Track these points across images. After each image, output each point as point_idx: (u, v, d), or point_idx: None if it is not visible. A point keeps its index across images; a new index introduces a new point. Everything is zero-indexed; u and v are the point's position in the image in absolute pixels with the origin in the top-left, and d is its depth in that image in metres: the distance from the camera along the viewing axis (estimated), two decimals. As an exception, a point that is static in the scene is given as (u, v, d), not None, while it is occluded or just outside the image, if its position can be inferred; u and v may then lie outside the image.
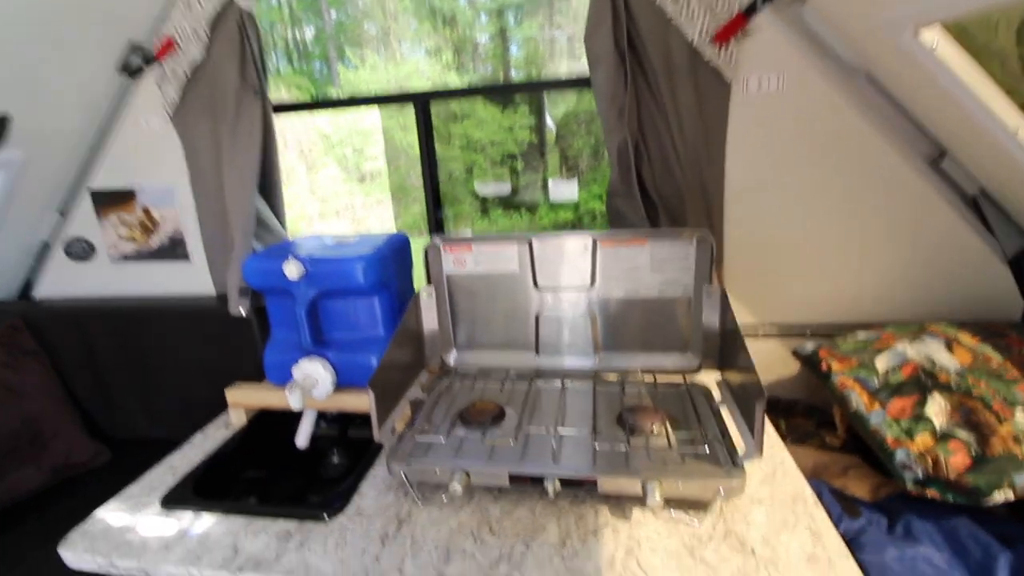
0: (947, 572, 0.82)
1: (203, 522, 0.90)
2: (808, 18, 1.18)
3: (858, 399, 1.04)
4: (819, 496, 0.90)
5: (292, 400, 1.04)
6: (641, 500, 0.86)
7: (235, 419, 1.20)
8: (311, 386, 1.09)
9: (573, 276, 1.14)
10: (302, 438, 1.15)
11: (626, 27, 1.13)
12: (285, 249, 1.13)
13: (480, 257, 1.16)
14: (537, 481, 0.86)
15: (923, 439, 0.92)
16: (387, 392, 0.96)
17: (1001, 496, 0.84)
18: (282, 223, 1.45)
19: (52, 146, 1.40)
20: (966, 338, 1.08)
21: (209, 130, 1.33)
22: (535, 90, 3.66)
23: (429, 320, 1.19)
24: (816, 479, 1.03)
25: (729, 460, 0.86)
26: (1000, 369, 0.98)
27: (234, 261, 1.29)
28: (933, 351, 1.06)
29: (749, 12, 1.12)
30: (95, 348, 1.54)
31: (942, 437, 0.91)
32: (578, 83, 1.36)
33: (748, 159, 1.25)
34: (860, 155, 1.21)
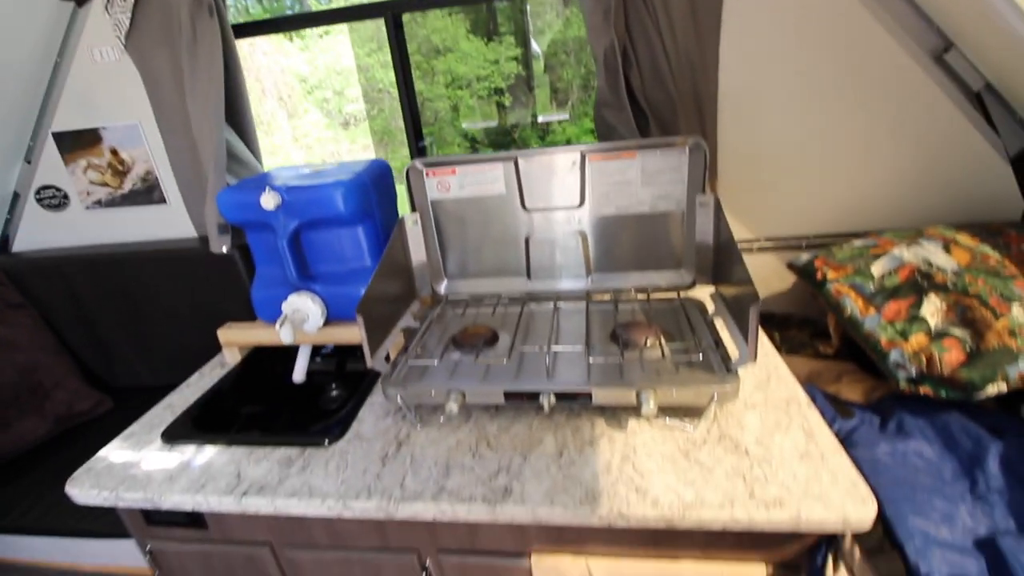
0: (937, 463, 0.84)
1: (205, 454, 0.91)
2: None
3: (853, 305, 1.03)
4: (812, 400, 0.91)
5: (283, 335, 1.03)
6: (636, 410, 0.87)
7: (229, 358, 1.19)
8: (301, 320, 1.07)
9: (562, 195, 1.10)
10: (298, 373, 1.15)
11: (610, -83, 1.04)
12: (261, 181, 1.08)
13: (465, 180, 1.12)
14: (532, 397, 0.86)
15: (917, 339, 0.92)
16: (378, 320, 0.95)
17: (994, 389, 0.84)
18: (256, 155, 1.39)
19: (6, 84, 1.32)
20: (965, 239, 1.06)
21: (167, 58, 1.24)
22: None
23: (417, 249, 1.16)
24: (810, 385, 1.04)
25: (723, 367, 0.86)
26: (998, 266, 0.97)
27: (209, 196, 1.24)
28: (930, 253, 1.04)
29: None
30: (82, 298, 1.52)
31: (937, 336, 0.91)
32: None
33: (743, 63, 1.18)
34: (862, 52, 1.14)
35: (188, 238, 1.50)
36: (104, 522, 1.16)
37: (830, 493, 0.70)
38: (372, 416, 0.96)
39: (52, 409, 1.41)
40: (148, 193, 1.46)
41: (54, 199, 1.52)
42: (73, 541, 1.17)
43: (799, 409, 0.87)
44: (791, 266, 1.22)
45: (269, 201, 1.00)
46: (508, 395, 0.87)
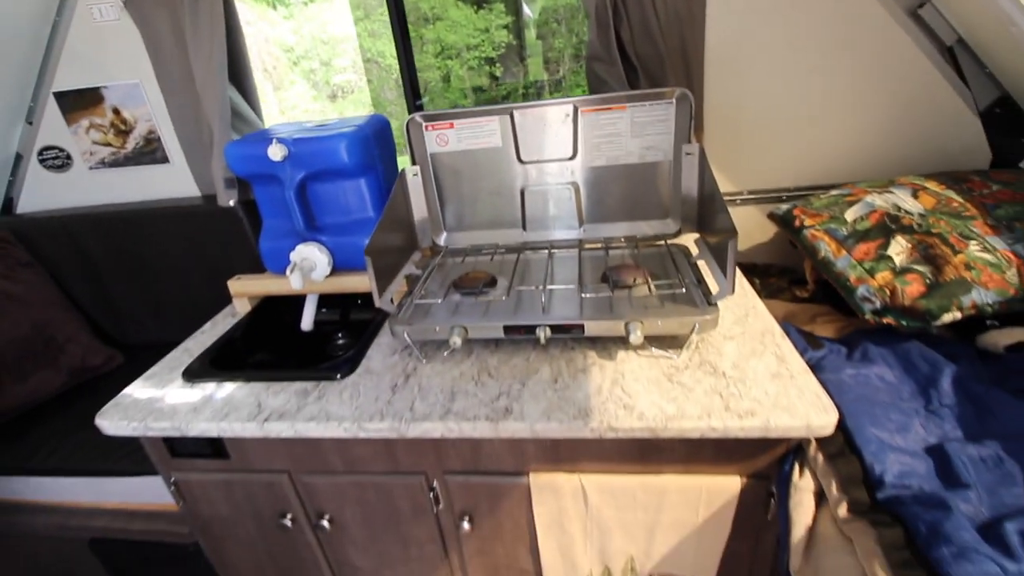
0: (897, 385, 0.93)
1: (225, 389, 0.98)
2: None
3: (826, 248, 1.10)
4: (787, 333, 0.99)
5: (293, 281, 1.09)
6: (624, 341, 0.94)
7: (240, 308, 1.25)
8: (309, 269, 1.13)
9: (555, 147, 1.16)
10: (306, 321, 1.22)
11: None
12: (266, 134, 1.12)
13: (462, 133, 1.17)
14: (530, 331, 0.93)
15: (883, 275, 1.00)
16: (383, 265, 1.01)
17: (950, 317, 0.92)
18: (257, 113, 1.42)
19: (6, 44, 1.33)
20: (932, 185, 1.13)
21: (167, 16, 1.27)
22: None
23: (417, 201, 1.21)
24: (785, 323, 1.12)
25: (704, 301, 0.94)
26: (960, 208, 1.04)
27: (216, 149, 1.28)
28: (900, 199, 1.11)
29: None
30: (90, 257, 1.56)
31: (900, 272, 0.98)
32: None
33: (729, 19, 1.23)
34: (840, 7, 1.19)
35: (191, 196, 1.54)
36: (126, 461, 1.23)
37: (796, 405, 0.79)
38: (380, 354, 1.03)
39: (66, 362, 1.46)
40: (151, 152, 1.49)
41: (57, 160, 1.55)
42: (97, 480, 1.24)
43: (773, 339, 0.95)
44: (772, 216, 1.29)
45: (276, 152, 1.05)
46: (507, 329, 0.94)
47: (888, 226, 1.06)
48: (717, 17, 1.23)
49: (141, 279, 1.57)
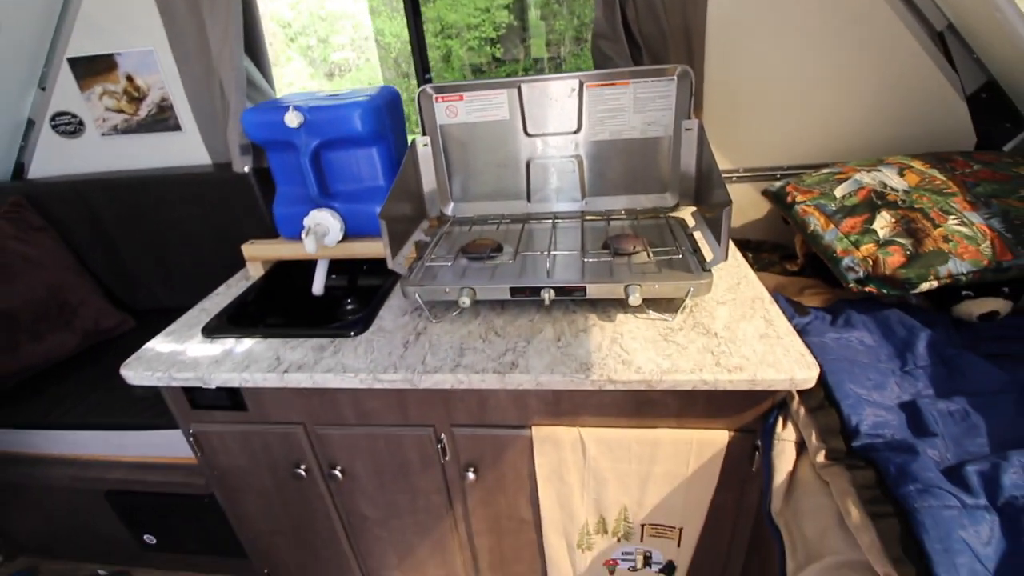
0: (876, 348, 0.99)
1: (244, 344, 1.03)
2: None
3: (816, 222, 1.16)
4: (776, 301, 1.05)
5: (308, 244, 1.13)
6: (623, 304, 1.00)
7: (253, 271, 1.30)
8: (323, 233, 1.18)
9: (561, 121, 1.20)
10: (317, 285, 1.27)
11: None
12: (280, 103, 1.16)
13: (471, 106, 1.21)
14: (535, 292, 0.99)
15: (867, 247, 1.06)
16: (395, 230, 1.06)
17: (927, 285, 0.99)
18: (269, 83, 1.45)
19: (21, 10, 1.35)
20: (918, 164, 1.19)
21: (183, -17, 1.29)
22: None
23: (427, 171, 1.26)
24: (775, 293, 1.18)
25: (699, 267, 1.00)
26: (942, 186, 1.10)
27: (232, 117, 1.32)
28: (887, 177, 1.17)
29: None
30: (102, 222, 1.60)
31: (884, 244, 1.05)
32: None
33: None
34: (837, -10, 1.24)
35: (203, 164, 1.57)
36: (143, 416, 1.28)
37: (782, 361, 0.85)
38: (391, 315, 1.09)
39: (80, 325, 1.51)
40: (163, 120, 1.52)
41: (69, 125, 1.57)
42: (114, 434, 1.30)
43: (762, 305, 1.01)
44: (765, 192, 1.35)
45: (293, 119, 1.08)
46: (514, 291, 0.99)
47: (874, 202, 1.12)
48: (719, -2, 1.27)
49: (152, 245, 1.61)
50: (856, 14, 1.26)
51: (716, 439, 0.95)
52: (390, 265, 1.02)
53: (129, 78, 1.47)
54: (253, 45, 1.39)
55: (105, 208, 1.58)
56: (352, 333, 1.02)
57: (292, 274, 1.33)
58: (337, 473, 1.09)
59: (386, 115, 1.19)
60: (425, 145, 1.24)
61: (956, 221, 1.01)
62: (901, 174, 1.17)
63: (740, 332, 0.93)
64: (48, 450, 1.36)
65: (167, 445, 1.29)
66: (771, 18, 1.29)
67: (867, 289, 1.03)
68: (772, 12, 1.28)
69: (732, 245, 1.21)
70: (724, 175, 1.46)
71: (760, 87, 1.36)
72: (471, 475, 1.05)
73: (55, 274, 1.51)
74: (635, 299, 0.93)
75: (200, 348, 1.03)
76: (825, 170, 1.28)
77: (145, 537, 1.44)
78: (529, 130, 1.22)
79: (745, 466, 0.97)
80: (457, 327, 1.02)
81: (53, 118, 1.58)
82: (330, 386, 0.93)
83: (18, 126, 1.60)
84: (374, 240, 1.21)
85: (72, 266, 1.57)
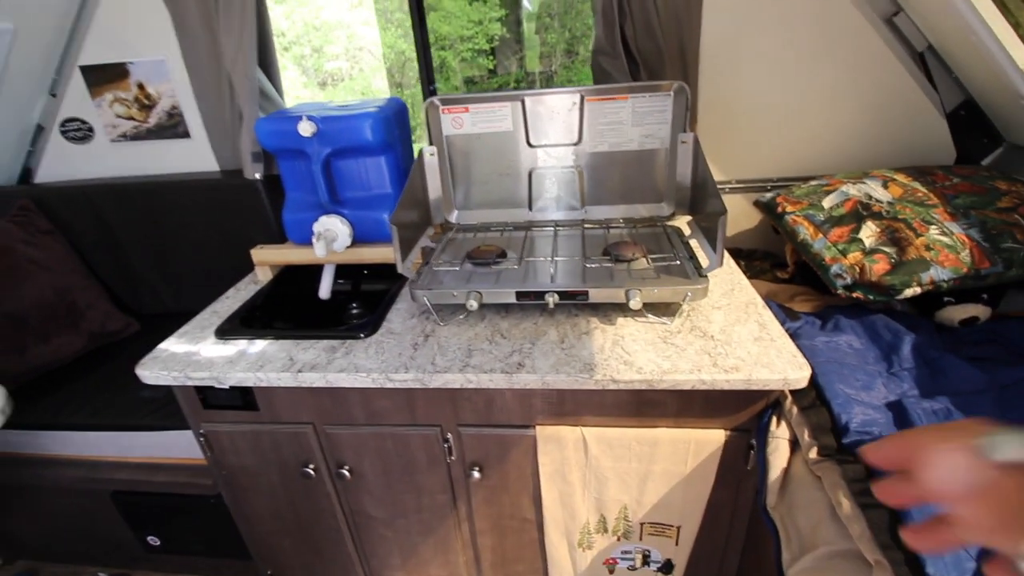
0: (863, 352, 1.04)
1: (257, 345, 1.06)
2: None
3: (805, 231, 1.22)
4: (768, 306, 1.10)
5: (318, 249, 1.17)
6: (623, 308, 1.05)
7: (262, 276, 1.33)
8: (332, 239, 1.22)
9: (562, 133, 1.26)
10: (324, 290, 1.30)
11: None
12: (293, 112, 1.20)
13: (477, 117, 1.26)
14: (539, 296, 1.03)
15: (854, 255, 1.11)
16: (403, 236, 1.10)
17: (911, 291, 1.04)
18: (279, 92, 1.49)
19: (36, 18, 1.39)
20: (901, 178, 1.25)
21: (197, -4, 1.33)
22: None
23: (433, 180, 1.30)
24: (767, 299, 1.24)
25: (696, 273, 1.04)
26: (924, 198, 1.16)
27: (245, 125, 1.35)
28: (872, 189, 1.23)
29: None
30: (109, 226, 1.62)
31: (869, 252, 1.10)
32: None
33: (722, 19, 1.34)
34: (824, 11, 1.31)
35: (210, 171, 1.60)
36: (151, 418, 1.30)
37: (775, 362, 0.90)
38: (399, 318, 1.12)
39: (87, 327, 1.52)
40: (173, 127, 1.55)
41: (79, 131, 1.60)
42: (122, 434, 1.31)
43: (756, 310, 1.06)
44: (757, 203, 1.41)
45: (306, 128, 1.13)
46: (519, 294, 1.03)
47: (860, 212, 1.18)
48: (712, 18, 1.33)
49: (158, 250, 1.63)
50: (842, 36, 1.33)
51: (713, 438, 0.99)
52: (400, 269, 1.06)
53: (140, 86, 1.51)
54: (263, 56, 1.43)
55: (112, 212, 1.60)
56: (362, 335, 1.05)
57: (299, 279, 1.36)
58: (345, 472, 1.12)
59: (394, 125, 1.24)
60: (432, 155, 1.28)
61: (937, 231, 1.07)
62: (885, 186, 1.23)
63: (735, 335, 0.98)
64: (55, 451, 1.37)
65: (174, 446, 1.31)
66: (762, 39, 1.35)
67: (854, 295, 1.09)
68: (763, 33, 1.35)
69: (726, 254, 1.26)
70: (717, 186, 1.51)
71: (751, 103, 1.43)
72: (476, 474, 1.08)
73: (62, 277, 1.52)
74: (635, 303, 0.98)
75: (214, 349, 1.06)
76: (813, 182, 1.34)
77: (149, 538, 1.45)
78: (532, 141, 1.27)
79: (740, 464, 1.01)
80: (464, 330, 1.06)
81: (63, 124, 1.60)
82: (342, 385, 0.97)
83: (27, 131, 1.62)
84: (381, 246, 1.25)
85: (79, 269, 1.59)
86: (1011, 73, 1.10)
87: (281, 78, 1.56)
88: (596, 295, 1.02)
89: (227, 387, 1.03)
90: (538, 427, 1.02)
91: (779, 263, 1.46)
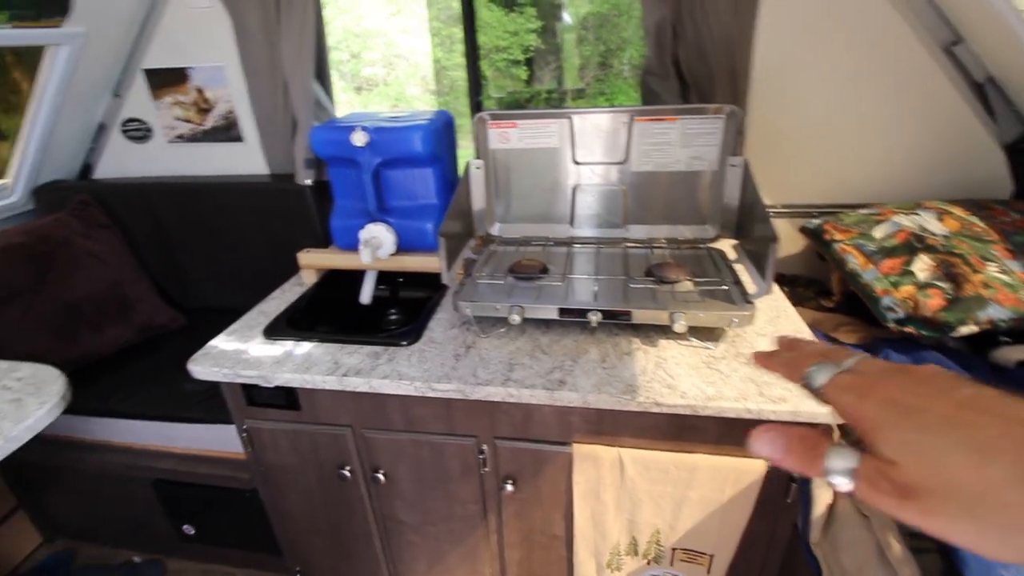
0: (912, 388, 1.02)
1: (303, 347, 1.09)
2: None
3: (854, 261, 1.20)
4: (814, 336, 1.08)
5: (363, 255, 1.20)
6: (666, 330, 1.04)
7: (307, 278, 1.36)
8: (377, 246, 1.24)
9: (609, 151, 1.26)
10: (365, 295, 1.33)
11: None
12: (345, 121, 1.23)
13: (524, 133, 1.27)
14: (581, 315, 1.03)
15: (907, 289, 1.09)
16: (449, 247, 1.11)
17: (967, 329, 1.01)
18: (331, 101, 1.53)
19: (107, 23, 1.46)
20: (957, 211, 1.22)
21: (258, 6, 1.38)
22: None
23: (477, 192, 1.32)
24: (812, 328, 1.21)
25: (742, 299, 1.03)
26: (982, 233, 1.13)
27: (300, 133, 1.40)
28: (926, 221, 1.20)
29: None
30: (162, 223, 1.68)
31: (923, 286, 1.08)
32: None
33: (775, 43, 1.33)
34: (880, 39, 1.29)
35: (260, 174, 1.66)
36: (196, 410, 1.34)
37: (824, 394, 0.88)
38: (440, 328, 1.14)
39: (136, 319, 1.58)
40: (227, 131, 1.61)
41: (138, 131, 1.67)
42: (167, 425, 1.35)
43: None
44: (803, 229, 1.39)
45: (360, 138, 1.15)
46: (562, 311, 1.04)
47: (913, 245, 1.15)
48: (765, 41, 1.32)
49: (206, 247, 1.69)
50: (899, 63, 1.30)
51: (753, 468, 0.97)
52: (444, 279, 1.08)
53: (199, 90, 1.57)
54: (318, 65, 1.48)
55: (165, 210, 1.66)
56: (405, 343, 1.07)
57: (341, 283, 1.39)
58: (380, 477, 1.13)
59: (443, 137, 1.26)
60: (478, 168, 1.30)
61: (996, 268, 1.04)
62: (940, 219, 1.20)
63: (781, 364, 0.96)
64: (102, 437, 1.42)
65: (215, 439, 1.34)
66: (816, 63, 1.34)
67: (906, 330, 1.06)
68: (817, 57, 1.33)
69: (771, 279, 1.25)
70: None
71: (801, 128, 1.41)
72: (509, 487, 1.08)
73: (116, 270, 1.59)
74: (680, 326, 0.97)
75: (262, 348, 1.09)
76: (863, 211, 1.32)
77: (184, 528, 1.49)
78: (577, 158, 1.28)
79: (780, 497, 1.00)
80: (505, 343, 1.07)
81: (124, 123, 1.68)
82: (384, 391, 0.98)
83: (90, 129, 1.70)
84: (424, 255, 1.27)
85: (132, 263, 1.65)
86: (1080, 109, 1.07)
87: (334, 87, 1.60)
88: (639, 316, 1.02)
89: (272, 386, 1.05)
90: (575, 445, 1.02)
91: (823, 291, 1.44)
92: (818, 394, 0.31)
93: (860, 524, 0.84)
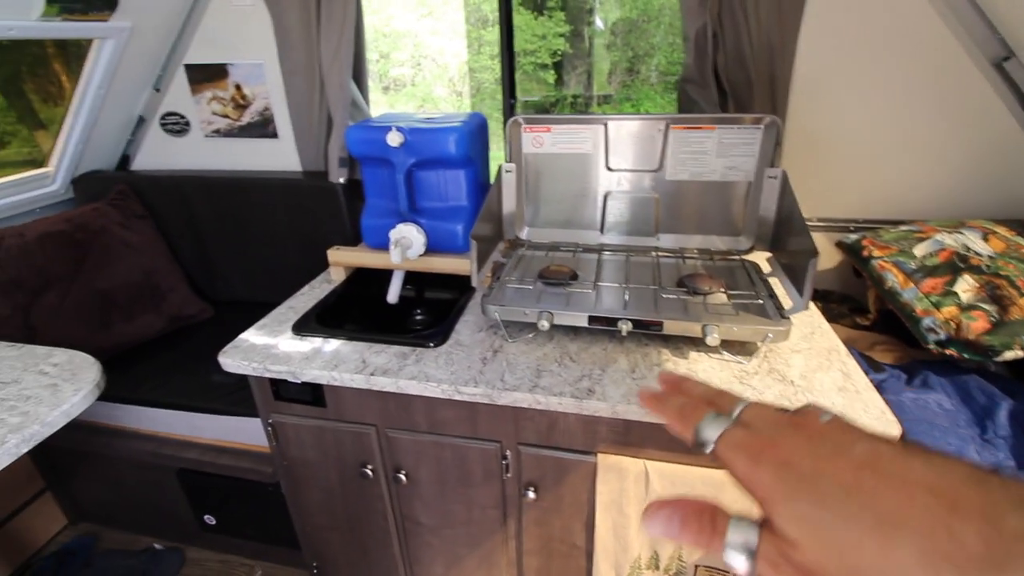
0: (954, 413, 0.99)
1: (331, 344, 1.09)
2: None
3: (894, 279, 1.16)
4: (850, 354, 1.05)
5: (394, 255, 1.20)
6: (697, 342, 1.02)
7: (335, 276, 1.37)
8: (407, 246, 1.24)
9: (642, 158, 1.25)
10: (392, 295, 1.33)
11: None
12: (380, 122, 1.24)
13: (558, 138, 1.26)
14: (611, 323, 1.02)
15: (949, 310, 1.06)
16: (480, 249, 1.11)
17: (1011, 354, 0.98)
18: (366, 101, 1.55)
19: (152, 18, 1.49)
20: (1003, 231, 1.18)
21: (299, 5, 1.40)
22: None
23: (508, 196, 1.31)
24: (847, 345, 1.18)
25: (777, 313, 1.01)
26: (1030, 255, 1.09)
27: (336, 131, 1.41)
28: (970, 240, 1.17)
29: None
30: (193, 215, 1.71)
31: (967, 308, 1.04)
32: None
33: (818, 52, 1.30)
34: (928, 51, 1.25)
35: (293, 171, 1.68)
36: (222, 402, 1.36)
37: (861, 416, 0.85)
38: (467, 330, 1.13)
39: (167, 309, 1.61)
40: (263, 127, 1.63)
41: (176, 125, 1.70)
42: (194, 415, 1.37)
43: (839, 357, 1.02)
44: (840, 244, 1.35)
45: (395, 139, 1.16)
46: (592, 319, 1.03)
47: (957, 264, 1.12)
48: (807, 50, 1.30)
49: (237, 241, 1.71)
50: (946, 77, 1.27)
51: (782, 486, 0.95)
52: (474, 282, 1.07)
53: (237, 87, 1.59)
54: (356, 66, 1.49)
55: (199, 203, 1.69)
56: (432, 344, 1.07)
57: (369, 281, 1.40)
58: (401, 477, 1.13)
59: (477, 139, 1.26)
60: (509, 171, 1.29)
61: (1046, 292, 1.00)
62: (985, 239, 1.16)
63: (817, 382, 0.94)
64: (130, 424, 1.45)
65: (240, 432, 1.36)
66: (858, 74, 1.31)
67: (947, 352, 1.03)
68: (860, 69, 1.30)
69: (805, 293, 1.22)
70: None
71: (841, 140, 1.38)
72: (531, 494, 1.07)
73: (150, 260, 1.62)
74: (713, 339, 0.95)
75: (291, 344, 1.10)
76: (903, 227, 1.28)
77: (206, 517, 1.51)
78: (611, 165, 1.26)
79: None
80: (532, 348, 1.06)
81: (163, 117, 1.71)
82: (410, 392, 0.98)
83: (130, 121, 1.74)
84: (451, 256, 1.27)
85: (165, 254, 1.68)
86: None
87: (369, 88, 1.61)
88: (671, 327, 1.00)
89: (300, 382, 1.06)
90: (600, 455, 1.01)
91: (857, 307, 1.40)
92: (710, 454, 0.27)
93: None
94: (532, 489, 1.08)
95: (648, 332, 1.03)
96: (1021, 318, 0.98)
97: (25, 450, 0.87)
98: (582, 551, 1.14)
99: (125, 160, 1.83)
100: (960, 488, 0.20)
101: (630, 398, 0.90)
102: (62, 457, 1.57)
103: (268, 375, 1.05)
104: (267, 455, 1.32)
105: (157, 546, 1.62)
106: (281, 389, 1.12)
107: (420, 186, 1.27)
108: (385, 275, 1.34)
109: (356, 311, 1.34)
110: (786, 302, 1.04)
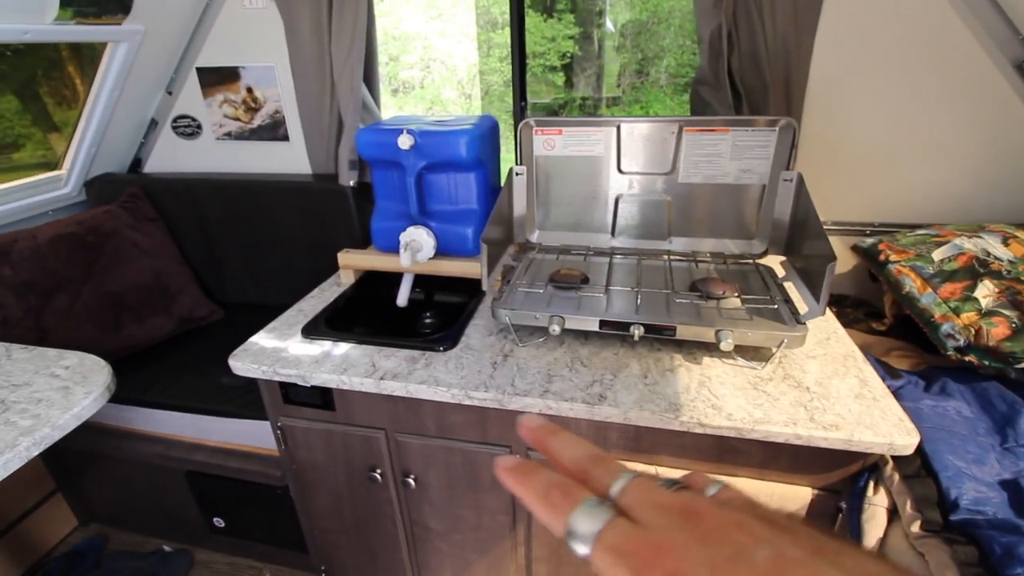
0: (974, 421, 0.96)
1: (341, 348, 1.09)
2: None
3: (911, 283, 1.14)
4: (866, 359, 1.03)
5: (404, 259, 1.20)
6: (710, 347, 1.01)
7: (345, 279, 1.37)
8: (417, 249, 1.24)
9: (655, 161, 1.23)
10: (402, 298, 1.32)
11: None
12: (391, 124, 1.24)
13: (569, 140, 1.25)
14: (623, 328, 1.01)
15: (969, 316, 1.03)
16: (490, 252, 1.10)
17: (1033, 362, 0.95)
18: (377, 104, 1.55)
19: (164, 22, 1.50)
20: (1023, 235, 1.16)
21: (310, 9, 1.40)
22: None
23: (519, 198, 1.30)
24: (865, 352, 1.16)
25: (792, 319, 0.99)
26: (1052, 259, 1.07)
27: (346, 134, 1.41)
28: (990, 245, 1.14)
29: None
30: (204, 218, 1.72)
31: (986, 314, 1.02)
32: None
33: (835, 54, 1.28)
34: (947, 54, 1.23)
35: (304, 174, 1.68)
36: (232, 405, 1.36)
37: (879, 424, 0.84)
38: (477, 334, 1.13)
39: (177, 311, 1.62)
40: (274, 130, 1.64)
41: (188, 128, 1.71)
42: (203, 418, 1.37)
43: (855, 363, 1.00)
44: (855, 248, 1.33)
45: (405, 141, 1.15)
46: (603, 323, 1.02)
47: (976, 269, 1.10)
48: (824, 52, 1.28)
49: (247, 244, 1.72)
50: (965, 79, 1.25)
51: (798, 495, 0.93)
52: (484, 286, 1.07)
53: (249, 89, 1.60)
54: (367, 70, 1.49)
55: (210, 205, 1.70)
56: (442, 348, 1.06)
57: (378, 284, 1.39)
58: (410, 481, 1.13)
59: (488, 142, 1.25)
60: (519, 174, 1.29)
61: (1069, 298, 0.98)
62: (1006, 243, 1.14)
63: (833, 389, 0.92)
64: (139, 426, 1.45)
65: (249, 435, 1.36)
66: (875, 76, 1.29)
67: (967, 358, 1.01)
68: (877, 70, 1.28)
69: (820, 298, 1.20)
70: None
71: (856, 142, 1.36)
72: (541, 500, 1.06)
73: (161, 262, 1.63)
74: (727, 345, 0.94)
75: (301, 347, 1.10)
76: (921, 231, 1.26)
77: (215, 520, 1.51)
78: (623, 168, 1.25)
79: (826, 527, 0.95)
80: (543, 353, 1.05)
81: (175, 120, 1.72)
82: (420, 397, 0.97)
83: (142, 124, 1.75)
84: (461, 259, 1.26)
85: (175, 256, 1.69)
86: None
87: (380, 90, 1.61)
88: (684, 332, 0.99)
89: (309, 385, 1.05)
90: (610, 461, 1.00)
91: (873, 312, 1.38)
92: (585, 557, 0.22)
93: (915, 561, 0.79)
94: (542, 495, 1.06)
95: (660, 337, 1.02)
96: (1044, 325, 0.96)
97: (36, 453, 0.87)
98: (592, 558, 1.12)
99: (137, 163, 1.85)
100: None
101: (643, 404, 0.89)
102: (72, 459, 1.58)
103: (278, 378, 1.04)
104: (276, 458, 1.32)
105: (166, 548, 1.63)
106: (290, 392, 1.12)
107: (430, 189, 1.26)
108: (395, 278, 1.33)
109: (366, 314, 1.34)
110: (801, 307, 1.02)
